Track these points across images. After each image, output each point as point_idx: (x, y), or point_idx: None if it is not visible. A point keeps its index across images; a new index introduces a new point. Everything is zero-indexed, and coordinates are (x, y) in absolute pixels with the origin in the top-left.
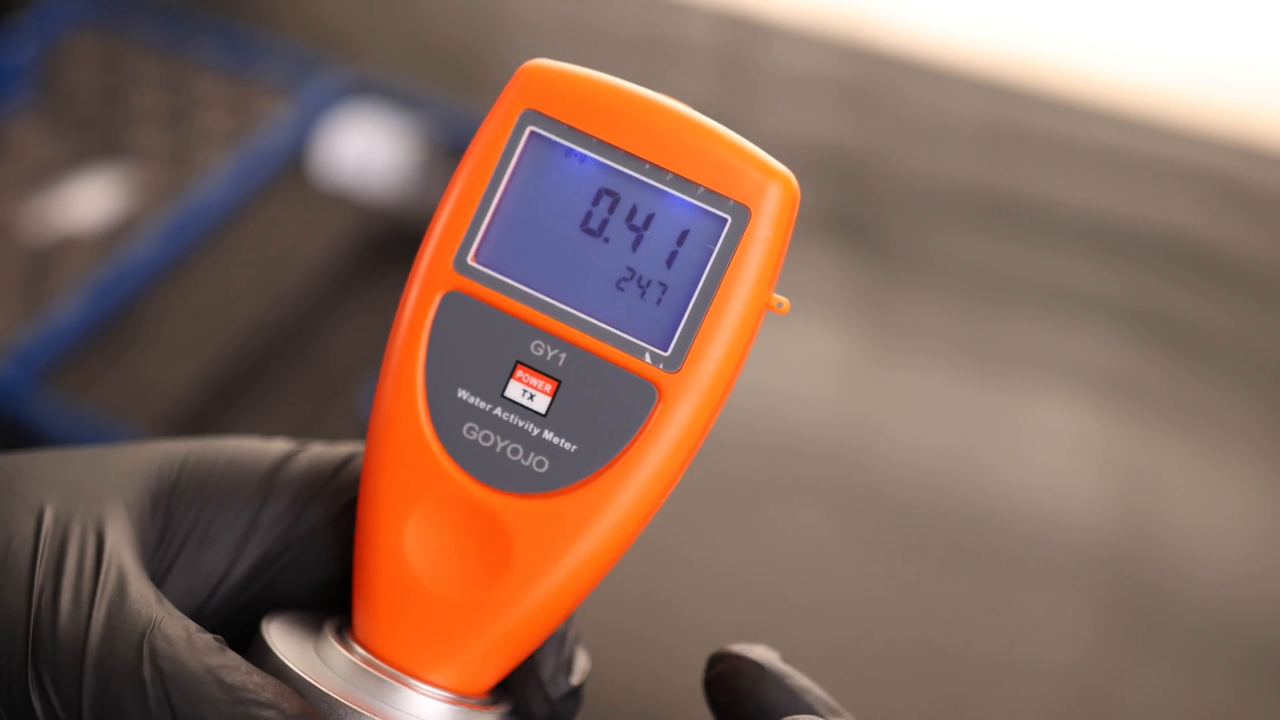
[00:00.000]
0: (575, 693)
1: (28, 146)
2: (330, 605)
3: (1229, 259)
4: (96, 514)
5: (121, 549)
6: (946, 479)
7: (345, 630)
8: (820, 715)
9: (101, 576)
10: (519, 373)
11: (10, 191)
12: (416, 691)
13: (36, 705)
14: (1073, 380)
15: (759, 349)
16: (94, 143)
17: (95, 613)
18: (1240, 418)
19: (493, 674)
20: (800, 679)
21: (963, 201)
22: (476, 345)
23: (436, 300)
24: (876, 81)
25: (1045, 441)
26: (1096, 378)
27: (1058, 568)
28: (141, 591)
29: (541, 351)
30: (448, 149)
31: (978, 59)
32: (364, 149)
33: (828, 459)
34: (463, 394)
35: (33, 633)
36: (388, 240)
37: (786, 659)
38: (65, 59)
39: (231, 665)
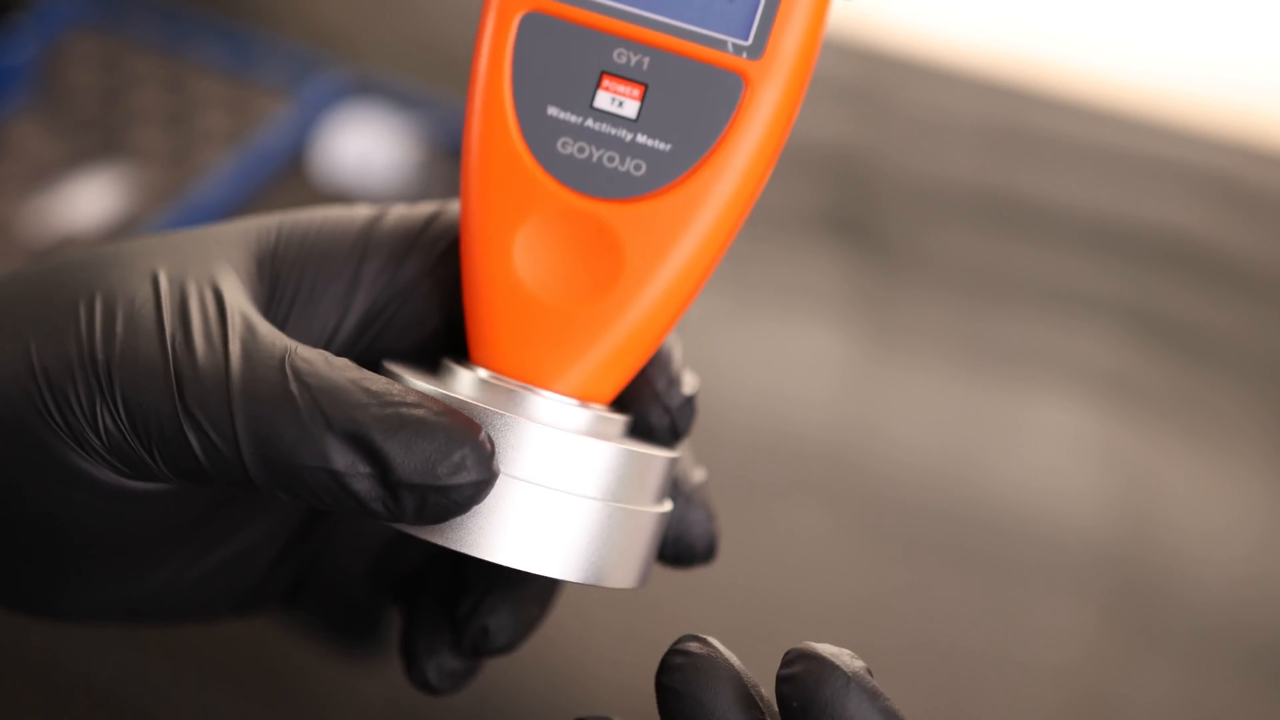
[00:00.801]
0: (690, 402)
1: (28, 146)
2: (438, 358)
3: (1229, 259)
4: (208, 273)
5: (240, 299)
6: (946, 479)
7: (463, 360)
8: None
9: (228, 319)
10: (605, 82)
11: (10, 191)
12: (546, 399)
13: (192, 439)
14: (1073, 380)
15: (759, 349)
16: (94, 143)
17: (231, 348)
18: (1240, 418)
19: (614, 382)
20: (888, 701)
21: (963, 201)
22: (560, 61)
23: (515, 22)
24: (876, 81)
25: (1045, 441)
26: (1096, 378)
27: (1058, 568)
28: (269, 329)
29: (624, 59)
30: (448, 149)
31: (978, 59)
32: (364, 149)
33: (828, 459)
34: (553, 110)
35: (175, 375)
36: None
37: (870, 671)
38: (65, 59)
39: (372, 377)
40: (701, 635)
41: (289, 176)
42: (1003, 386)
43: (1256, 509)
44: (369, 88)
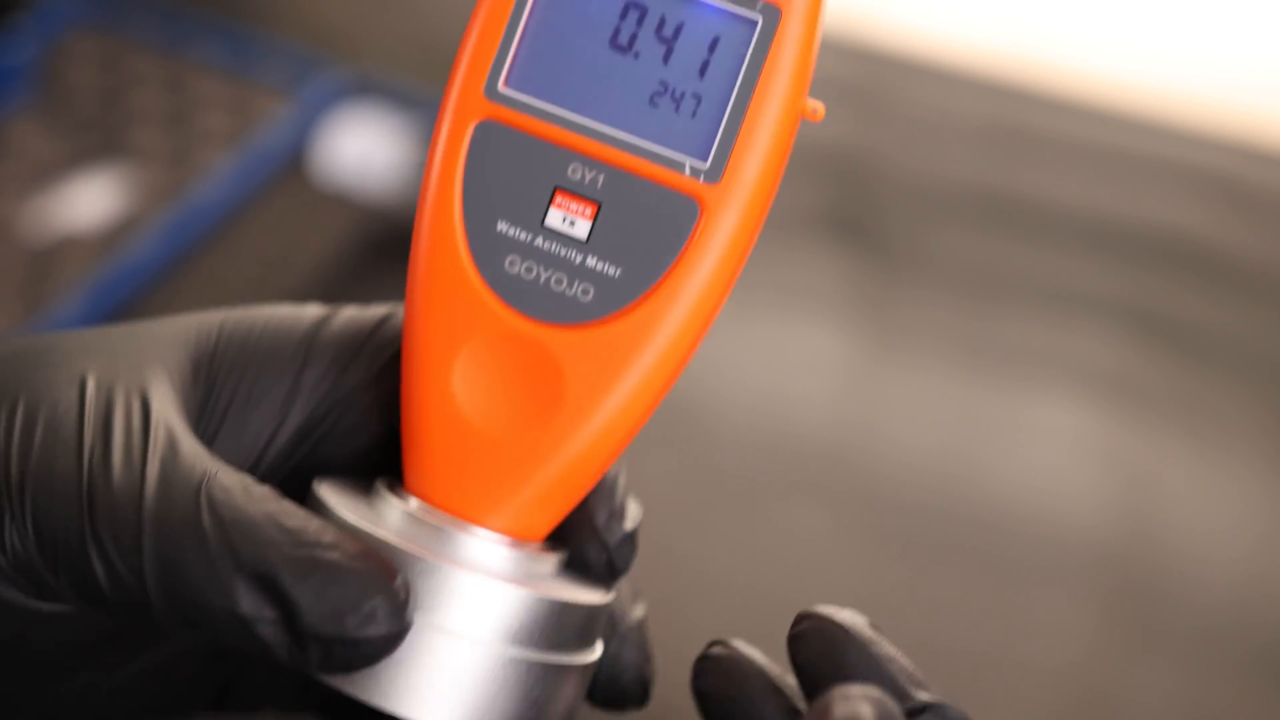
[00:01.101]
0: (630, 538)
1: (28, 146)
2: (376, 470)
3: (1229, 259)
4: (139, 379)
5: (168, 411)
6: (946, 479)
7: (397, 485)
8: (896, 688)
9: (151, 435)
10: (558, 198)
11: (10, 191)
12: (475, 537)
13: (97, 564)
14: (1073, 380)
15: (759, 349)
16: (94, 143)
17: (148, 469)
18: (1240, 418)
19: (549, 518)
20: (886, 647)
21: (963, 201)
22: (513, 174)
23: (470, 130)
24: (876, 81)
25: (1045, 441)
26: (1096, 378)
27: (1058, 567)
28: (192, 448)
29: (579, 175)
30: None
31: (978, 59)
32: (364, 149)
33: (827, 459)
34: (502, 226)
35: (87, 494)
36: (388, 240)
37: (874, 626)
38: (65, 59)
39: (290, 511)
40: (722, 639)
41: (289, 176)
42: (1003, 386)
43: (1256, 509)
44: (369, 88)
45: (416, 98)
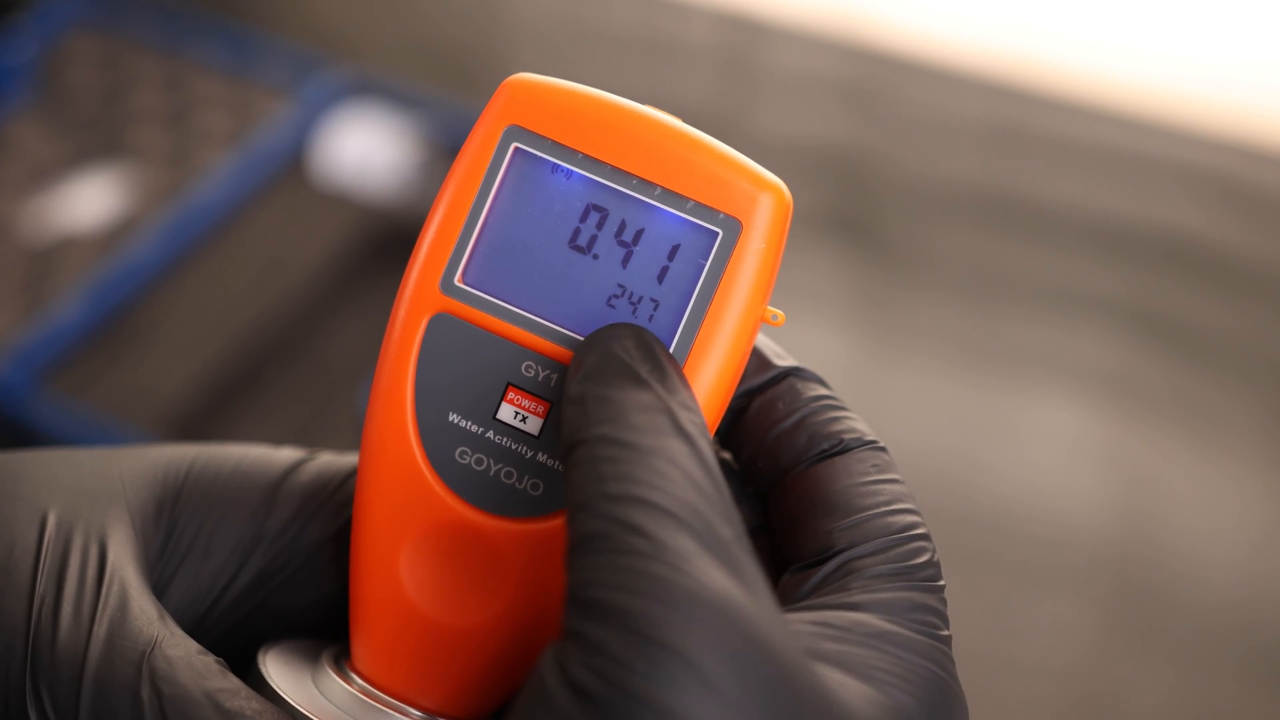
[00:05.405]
0: None
1: (28, 146)
2: (332, 619)
3: (1229, 259)
4: (100, 522)
5: (124, 561)
6: (946, 479)
7: (343, 659)
8: (760, 359)
9: (104, 590)
10: (510, 394)
11: (10, 191)
12: None
13: (33, 717)
14: (1073, 380)
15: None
16: (94, 143)
17: (96, 628)
18: (1240, 418)
19: (491, 700)
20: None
21: (963, 201)
22: (466, 368)
23: (424, 323)
24: (876, 81)
25: (1045, 441)
26: (1096, 378)
27: (1058, 568)
28: (143, 608)
29: (533, 373)
30: (448, 149)
31: (978, 59)
32: (364, 149)
33: None
34: (454, 418)
35: (32, 644)
36: (388, 240)
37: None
38: (65, 59)
39: (231, 689)
40: None
41: (289, 176)
42: (1003, 386)
43: (1256, 509)
44: (369, 88)
45: (416, 98)
